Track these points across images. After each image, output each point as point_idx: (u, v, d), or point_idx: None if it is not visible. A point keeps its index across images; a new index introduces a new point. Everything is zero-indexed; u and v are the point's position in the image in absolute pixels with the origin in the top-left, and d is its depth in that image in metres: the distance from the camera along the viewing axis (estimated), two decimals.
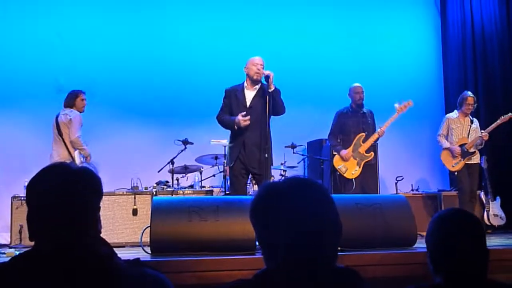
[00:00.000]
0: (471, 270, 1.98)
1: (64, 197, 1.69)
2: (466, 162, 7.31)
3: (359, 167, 7.04)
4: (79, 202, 1.71)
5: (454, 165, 7.33)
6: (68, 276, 1.57)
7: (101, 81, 9.04)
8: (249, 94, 5.94)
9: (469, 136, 7.37)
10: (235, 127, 5.81)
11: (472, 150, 7.31)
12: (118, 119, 9.09)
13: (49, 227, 1.67)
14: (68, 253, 1.62)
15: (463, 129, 7.44)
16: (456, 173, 7.38)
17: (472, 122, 7.46)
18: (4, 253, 4.75)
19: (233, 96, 5.96)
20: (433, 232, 2.08)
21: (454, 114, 7.58)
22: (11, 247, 5.88)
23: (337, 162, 7.12)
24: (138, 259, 1.81)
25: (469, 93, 7.57)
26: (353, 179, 7.03)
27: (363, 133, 7.07)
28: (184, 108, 9.29)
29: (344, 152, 7.05)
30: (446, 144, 7.45)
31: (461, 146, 7.34)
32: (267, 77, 5.76)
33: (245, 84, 5.97)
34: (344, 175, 7.07)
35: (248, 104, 5.89)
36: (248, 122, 5.74)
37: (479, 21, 9.79)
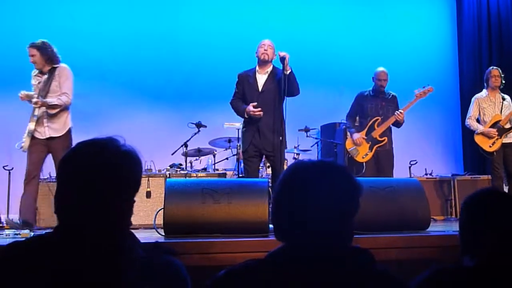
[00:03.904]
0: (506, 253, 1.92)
1: (96, 178, 1.61)
2: (503, 142, 7.04)
3: (371, 151, 6.99)
4: (111, 187, 1.62)
5: (492, 145, 7.03)
6: (80, 261, 1.54)
7: (115, 64, 9.08)
8: (261, 78, 5.95)
9: (502, 112, 7.12)
10: (246, 116, 5.85)
11: (508, 126, 7.05)
12: (131, 102, 9.13)
13: (74, 207, 1.62)
14: (86, 239, 1.58)
15: (495, 107, 7.17)
16: (491, 157, 7.06)
17: (504, 98, 7.19)
18: (19, 234, 4.80)
19: (245, 81, 5.98)
20: (466, 214, 2.05)
21: (483, 93, 7.32)
22: (25, 228, 5.92)
23: (349, 145, 7.10)
24: (157, 243, 1.76)
25: (493, 66, 7.42)
26: (364, 163, 7.01)
27: (379, 117, 7.02)
28: (197, 91, 9.32)
29: (356, 136, 7.01)
30: (479, 128, 7.15)
31: (495, 123, 7.08)
32: (282, 59, 5.76)
33: (257, 68, 6.00)
34: (355, 158, 7.04)
35: (260, 88, 5.91)
36: (259, 114, 5.76)
37: (495, 5, 9.70)
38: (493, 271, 1.89)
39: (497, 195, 2.05)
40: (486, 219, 1.98)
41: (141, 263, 1.61)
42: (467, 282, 1.87)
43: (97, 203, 1.61)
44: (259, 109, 5.77)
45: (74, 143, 8.25)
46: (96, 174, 1.61)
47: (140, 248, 1.66)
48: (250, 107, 5.78)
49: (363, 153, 7.01)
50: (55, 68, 6.11)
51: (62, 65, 6.20)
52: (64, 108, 6.06)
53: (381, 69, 7.12)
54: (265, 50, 5.88)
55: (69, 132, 6.08)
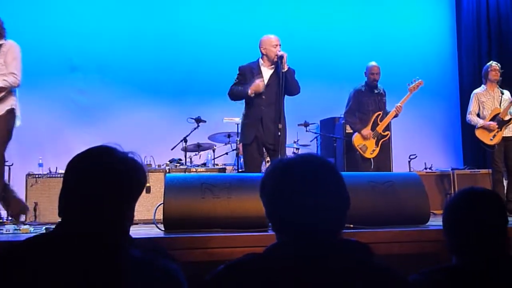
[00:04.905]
0: (492, 253, 1.96)
1: (102, 185, 1.67)
2: (504, 135, 7.03)
3: (377, 146, 7.03)
4: (116, 194, 1.69)
5: (492, 138, 7.01)
6: (78, 260, 1.57)
7: (114, 59, 9.07)
8: (267, 72, 5.96)
9: (502, 105, 7.10)
10: (251, 94, 5.79)
11: (507, 118, 7.02)
12: (131, 97, 9.12)
13: (77, 210, 1.67)
14: (86, 239, 1.62)
15: (494, 100, 7.17)
16: (493, 150, 7.03)
17: (502, 93, 7.18)
18: (19, 230, 4.80)
19: (248, 73, 5.96)
20: (449, 215, 2.07)
21: (482, 88, 7.33)
22: (25, 224, 5.92)
23: (358, 141, 7.10)
24: (155, 246, 1.79)
25: (492, 61, 7.43)
26: (371, 159, 7.04)
27: (380, 112, 7.06)
28: (197, 86, 9.31)
29: (366, 131, 7.04)
30: (479, 122, 7.14)
31: (495, 117, 7.07)
32: (280, 57, 5.78)
33: (261, 61, 5.98)
34: (364, 154, 7.06)
35: (266, 81, 5.91)
36: (262, 85, 5.76)
37: (494, 0, 9.68)
38: (473, 271, 1.93)
39: (476, 196, 2.06)
40: (463, 221, 2.01)
41: (139, 265, 1.62)
42: (449, 283, 1.90)
43: (101, 207, 1.66)
44: (263, 80, 5.80)
45: (73, 138, 8.21)
46: (102, 180, 1.67)
47: (138, 250, 1.68)
48: (256, 80, 5.78)
49: (370, 149, 7.05)
50: (0, 44, 5.41)
51: (10, 41, 5.51)
52: (10, 90, 5.39)
53: (373, 63, 7.17)
54: (278, 50, 5.87)
55: (9, 112, 5.37)
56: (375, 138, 7.04)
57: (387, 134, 7.06)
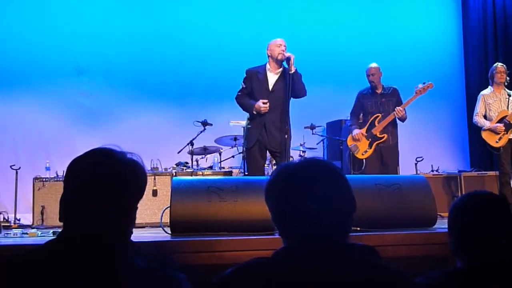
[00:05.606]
0: (496, 256, 1.95)
1: (103, 186, 1.65)
2: (510, 137, 6.98)
3: (370, 148, 7.02)
4: (116, 196, 1.67)
5: (498, 140, 6.98)
6: (79, 270, 1.56)
7: (120, 63, 9.10)
8: (272, 78, 5.98)
9: (509, 108, 7.07)
10: (254, 112, 5.86)
11: None
12: (137, 100, 9.14)
13: (78, 212, 1.65)
14: (86, 244, 1.60)
15: (501, 102, 7.14)
16: (499, 153, 7.00)
17: (509, 95, 7.14)
18: (27, 233, 4.81)
19: (254, 78, 5.99)
20: (455, 218, 2.07)
21: (488, 90, 7.31)
22: (33, 228, 5.95)
23: (349, 141, 7.18)
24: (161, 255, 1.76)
25: (498, 63, 7.41)
26: (363, 160, 7.04)
27: (379, 114, 7.03)
28: (203, 89, 9.32)
29: (355, 132, 7.05)
30: (486, 124, 7.11)
31: (501, 119, 7.03)
32: (287, 59, 5.81)
33: (268, 66, 6.00)
34: (355, 154, 7.08)
35: (270, 87, 5.94)
36: (267, 109, 5.79)
37: (500, 0, 9.66)
38: (479, 275, 1.92)
39: (481, 199, 2.06)
40: (468, 224, 2.01)
41: (141, 274, 1.61)
42: (456, 286, 1.90)
43: (102, 210, 1.64)
44: (267, 104, 5.80)
45: (80, 142, 8.24)
46: (102, 181, 1.65)
47: (141, 258, 1.67)
48: (260, 103, 5.80)
49: (362, 150, 7.04)
50: None
51: None
52: None
53: (370, 65, 7.16)
54: (282, 50, 5.90)
55: None
56: (369, 139, 7.03)
57: (383, 137, 6.99)
